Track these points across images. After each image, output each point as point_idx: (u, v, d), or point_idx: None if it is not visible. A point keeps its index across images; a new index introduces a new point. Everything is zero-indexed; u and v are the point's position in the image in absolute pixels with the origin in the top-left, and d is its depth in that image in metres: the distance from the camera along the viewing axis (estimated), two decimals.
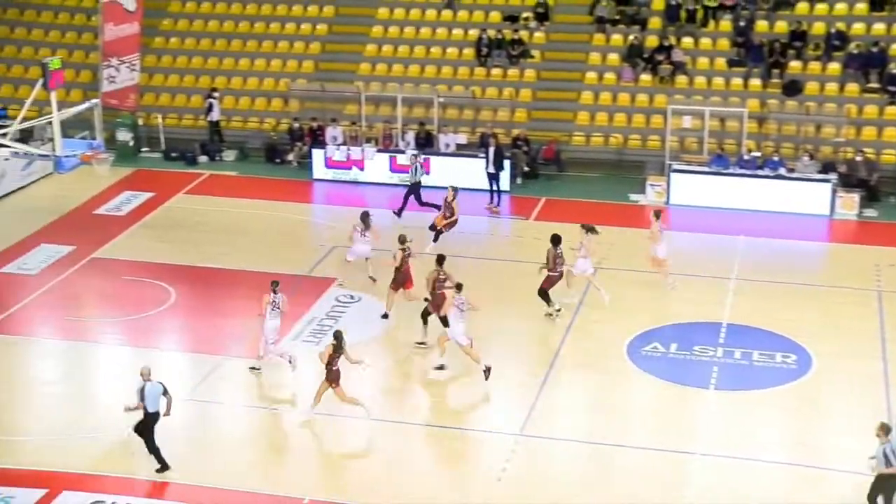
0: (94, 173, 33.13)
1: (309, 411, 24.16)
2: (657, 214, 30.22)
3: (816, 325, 28.39)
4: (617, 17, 43.65)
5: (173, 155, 41.02)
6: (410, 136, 38.90)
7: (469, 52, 43.68)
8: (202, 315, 28.92)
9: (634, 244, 32.63)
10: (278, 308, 25.54)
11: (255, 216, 35.41)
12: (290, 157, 40.10)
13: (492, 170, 36.03)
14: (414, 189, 34.77)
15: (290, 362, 25.79)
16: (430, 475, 22.98)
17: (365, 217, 29.93)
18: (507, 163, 36.81)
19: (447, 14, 45.02)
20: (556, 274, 28.27)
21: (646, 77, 41.87)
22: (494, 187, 36.10)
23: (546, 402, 25.08)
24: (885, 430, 20.01)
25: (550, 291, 28.37)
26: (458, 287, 25.69)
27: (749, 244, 33.49)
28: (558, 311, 28.42)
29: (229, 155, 41.20)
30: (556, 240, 28.30)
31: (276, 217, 35.47)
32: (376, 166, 37.82)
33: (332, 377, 23.79)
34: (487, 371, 25.30)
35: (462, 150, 38.54)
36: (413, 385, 26.31)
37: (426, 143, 38.81)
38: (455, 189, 32.28)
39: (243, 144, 41.83)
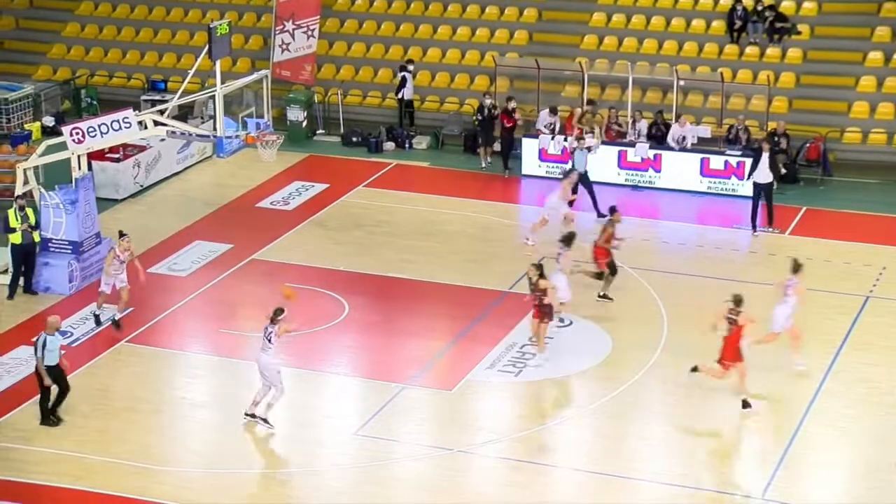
0: (259, 159, 34.10)
1: None
2: None
3: None
4: None
5: (354, 140, 41.85)
6: (643, 125, 38.80)
7: (719, 25, 43.47)
8: (379, 334, 29.41)
9: None
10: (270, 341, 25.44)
11: (449, 217, 35.83)
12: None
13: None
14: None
15: None
16: None
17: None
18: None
19: None
20: None
21: None
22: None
23: (797, 459, 24.81)
24: None
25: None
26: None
27: None
28: None
29: (421, 142, 41.87)
30: None
31: (473, 219, 35.89)
32: (599, 161, 37.84)
33: None
34: None
35: (703, 146, 38.32)
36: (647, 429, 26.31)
37: (663, 136, 38.64)
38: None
39: (438, 130, 42.45)
